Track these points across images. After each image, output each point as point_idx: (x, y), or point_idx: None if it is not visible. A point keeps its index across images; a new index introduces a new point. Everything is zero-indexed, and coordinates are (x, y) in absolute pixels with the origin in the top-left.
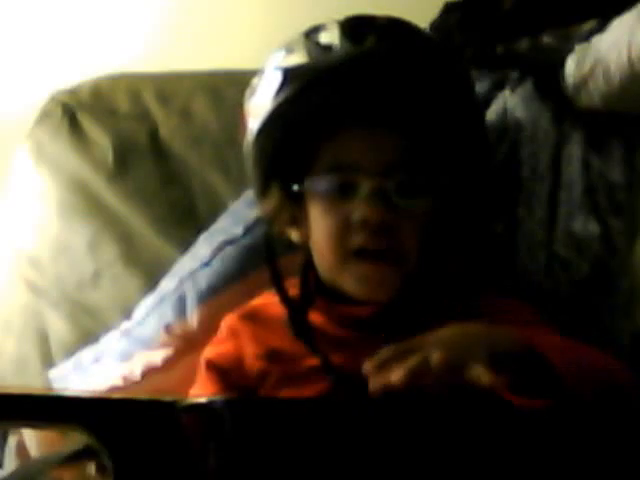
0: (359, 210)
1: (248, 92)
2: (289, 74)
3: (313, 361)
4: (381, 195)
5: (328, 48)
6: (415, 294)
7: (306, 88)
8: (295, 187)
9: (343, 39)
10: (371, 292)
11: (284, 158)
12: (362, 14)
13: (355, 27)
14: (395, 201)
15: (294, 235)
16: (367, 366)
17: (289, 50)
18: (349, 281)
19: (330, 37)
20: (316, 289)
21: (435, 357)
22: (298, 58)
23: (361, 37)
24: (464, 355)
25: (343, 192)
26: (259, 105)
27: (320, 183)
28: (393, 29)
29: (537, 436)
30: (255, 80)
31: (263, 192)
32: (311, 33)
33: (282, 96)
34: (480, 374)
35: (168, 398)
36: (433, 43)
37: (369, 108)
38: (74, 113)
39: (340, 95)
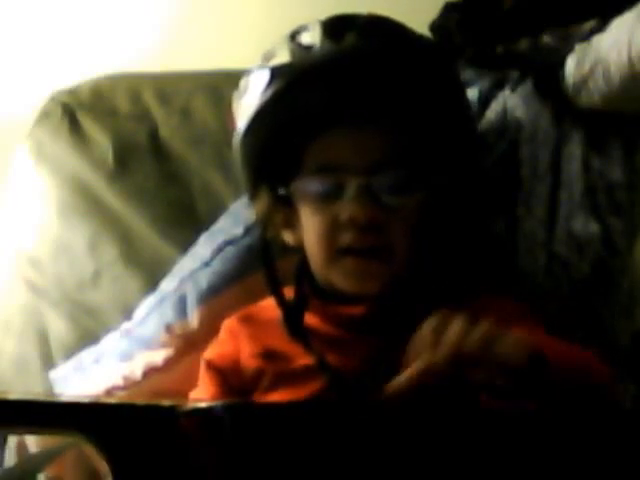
0: (346, 210)
1: (236, 93)
2: (273, 73)
3: (308, 360)
4: (368, 194)
5: (309, 48)
6: (407, 292)
7: (289, 87)
8: (282, 191)
9: (323, 38)
10: (359, 286)
11: (272, 159)
12: (344, 13)
13: (335, 26)
14: (383, 199)
15: (288, 237)
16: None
17: (274, 52)
18: (338, 277)
19: (311, 37)
20: (311, 290)
21: (478, 331)
22: (282, 59)
23: (341, 35)
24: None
25: (331, 193)
26: (245, 105)
27: (308, 185)
28: (374, 27)
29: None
30: (242, 81)
31: (253, 195)
32: (294, 34)
33: (267, 95)
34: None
35: (167, 403)
36: (415, 39)
37: (353, 107)
38: (74, 113)
39: (324, 94)
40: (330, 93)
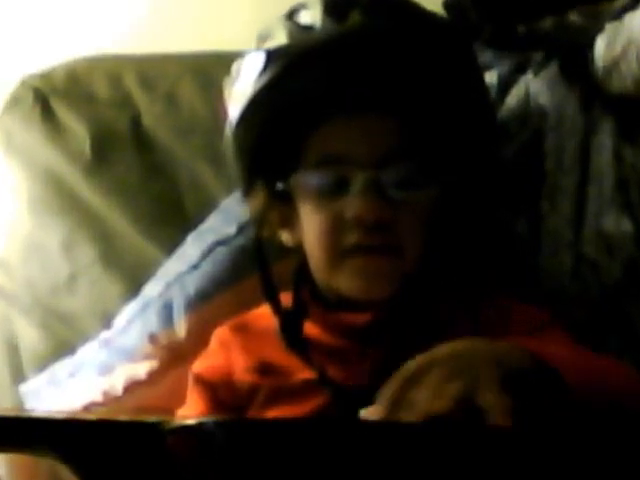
0: (352, 207)
1: (227, 79)
2: (269, 57)
3: (308, 374)
4: (376, 189)
5: (309, 28)
6: (417, 298)
7: (287, 71)
8: (280, 186)
9: (324, 17)
10: (368, 288)
11: (268, 151)
12: None
13: (337, 4)
14: (392, 195)
15: (285, 237)
16: (373, 412)
17: (269, 33)
18: (344, 278)
19: (311, 16)
20: (311, 296)
21: (450, 389)
22: (278, 40)
23: (344, 14)
24: (474, 381)
25: (335, 188)
26: (238, 92)
27: (308, 179)
28: (380, 4)
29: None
30: (235, 66)
31: (247, 192)
32: (292, 13)
33: (262, 81)
34: (493, 400)
35: (152, 419)
36: (426, 17)
37: (359, 93)
38: (47, 99)
39: (325, 79)
40: (333, 78)
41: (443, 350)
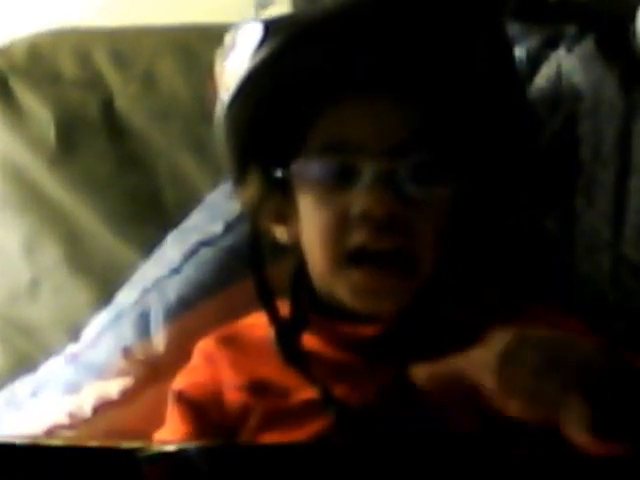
0: (360, 201)
1: (220, 52)
2: (269, 28)
3: (308, 393)
4: (389, 182)
5: None
6: (434, 307)
7: (289, 45)
8: (279, 173)
9: None
10: (372, 305)
11: (265, 136)
12: None
13: None
14: (407, 190)
15: (280, 233)
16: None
17: (269, 0)
18: (344, 292)
19: None
20: (311, 303)
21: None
22: (280, 8)
23: None
24: (552, 390)
25: (341, 178)
26: (233, 67)
27: (311, 167)
28: None
29: None
30: (228, 37)
31: (240, 179)
32: None
33: (261, 55)
34: (577, 414)
35: (126, 444)
36: None
37: (372, 71)
38: (6, 79)
39: (333, 54)
40: (342, 53)
41: (512, 342)
